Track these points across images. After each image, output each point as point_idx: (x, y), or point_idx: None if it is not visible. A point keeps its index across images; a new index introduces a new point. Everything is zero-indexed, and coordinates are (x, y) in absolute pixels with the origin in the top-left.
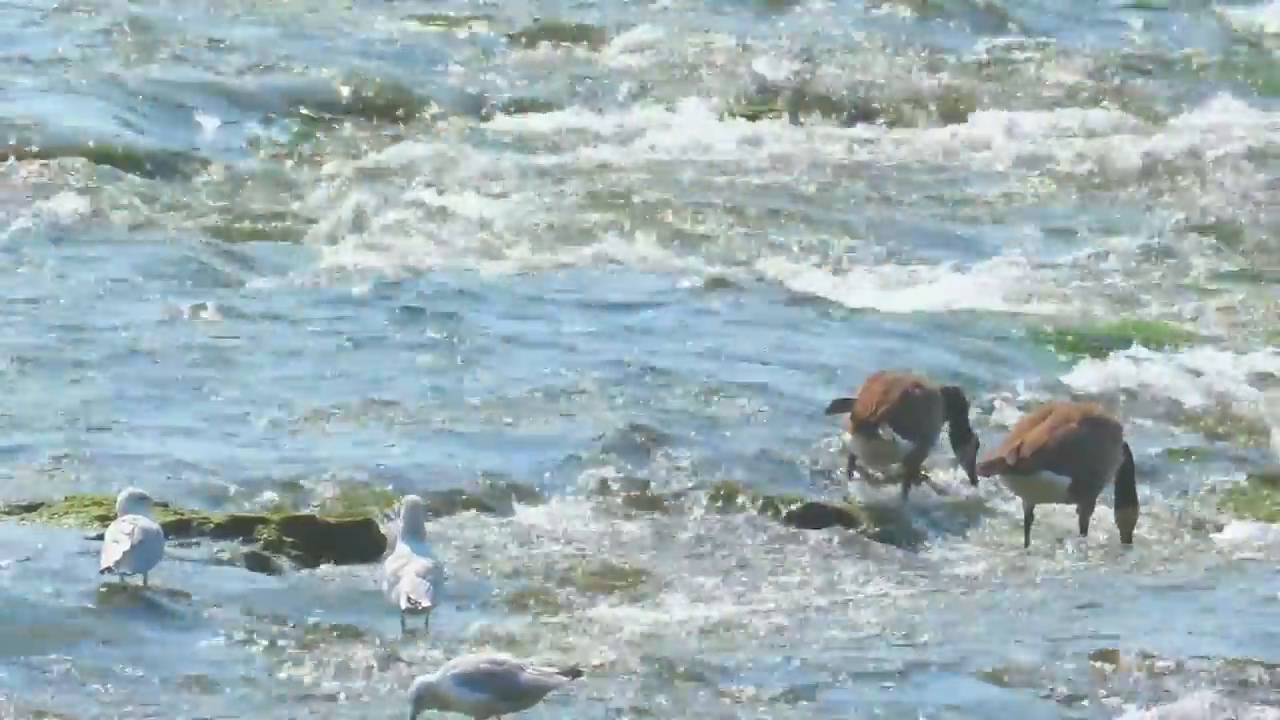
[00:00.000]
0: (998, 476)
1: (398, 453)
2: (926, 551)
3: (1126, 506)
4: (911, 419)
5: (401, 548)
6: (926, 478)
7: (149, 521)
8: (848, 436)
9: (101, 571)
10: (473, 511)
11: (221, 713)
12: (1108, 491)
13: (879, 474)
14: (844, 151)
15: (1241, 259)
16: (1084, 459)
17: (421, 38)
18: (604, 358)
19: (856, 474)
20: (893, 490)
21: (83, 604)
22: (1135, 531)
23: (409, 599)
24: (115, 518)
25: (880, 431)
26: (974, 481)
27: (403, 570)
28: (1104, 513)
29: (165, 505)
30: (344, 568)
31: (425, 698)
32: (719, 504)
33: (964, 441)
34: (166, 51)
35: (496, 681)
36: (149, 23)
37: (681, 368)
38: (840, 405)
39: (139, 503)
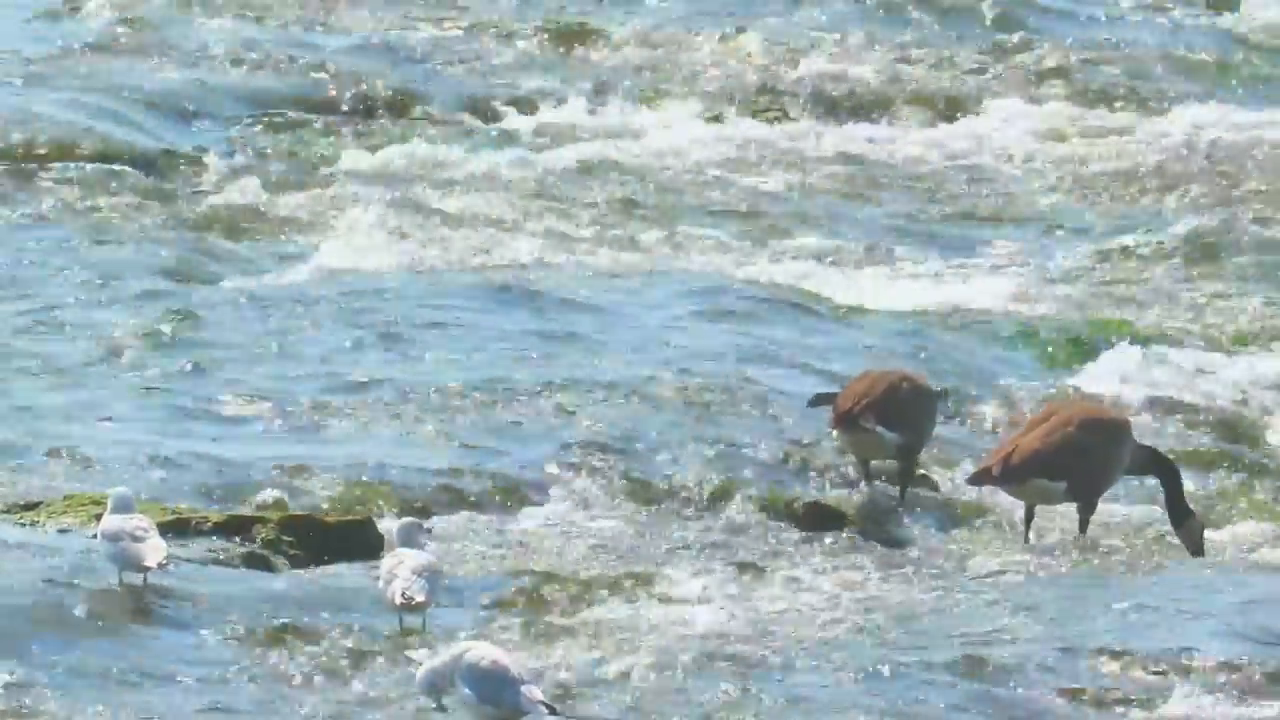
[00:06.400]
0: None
1: (398, 452)
2: (926, 551)
3: (1183, 522)
4: (897, 412)
5: (399, 550)
6: (925, 476)
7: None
8: (833, 434)
9: (158, 568)
10: (473, 511)
11: (220, 712)
12: (1113, 491)
13: (879, 473)
14: (843, 151)
15: (1242, 259)
16: (1080, 464)
17: (420, 38)
18: (603, 357)
19: (861, 474)
20: (893, 490)
21: (82, 604)
22: (1135, 531)
23: (404, 594)
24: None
25: (863, 423)
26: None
27: (398, 568)
28: (1105, 512)
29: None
30: (343, 567)
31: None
32: (719, 504)
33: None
34: (165, 51)
35: (490, 684)
36: (148, 22)
37: (681, 367)
38: (823, 399)
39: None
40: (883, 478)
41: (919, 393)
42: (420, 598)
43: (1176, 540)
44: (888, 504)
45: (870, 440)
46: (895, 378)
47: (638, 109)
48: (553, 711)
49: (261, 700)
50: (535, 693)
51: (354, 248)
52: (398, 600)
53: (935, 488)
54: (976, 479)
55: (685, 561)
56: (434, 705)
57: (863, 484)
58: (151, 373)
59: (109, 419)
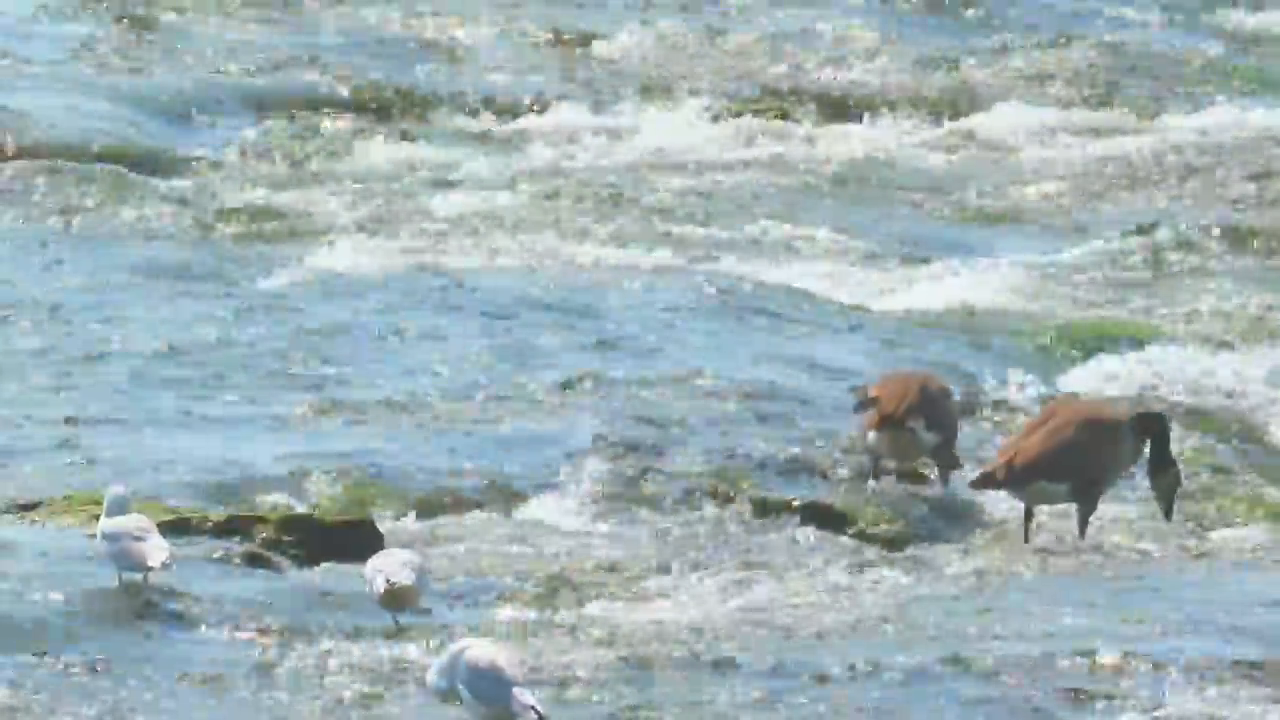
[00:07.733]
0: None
1: (398, 452)
2: (926, 551)
3: (1160, 472)
4: (936, 412)
5: (385, 549)
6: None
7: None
8: (871, 435)
9: (161, 568)
10: (473, 511)
11: (221, 712)
12: (1113, 490)
13: (895, 473)
14: (843, 151)
15: (1242, 259)
16: (1081, 466)
17: (421, 38)
18: (603, 357)
19: (875, 473)
20: (893, 491)
21: (82, 604)
22: (1135, 531)
23: (388, 580)
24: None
25: (910, 426)
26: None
27: (382, 564)
28: (1104, 512)
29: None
30: (343, 567)
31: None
32: (719, 504)
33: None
34: (165, 51)
35: (485, 682)
36: (148, 22)
37: (681, 367)
38: (866, 404)
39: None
40: (884, 478)
41: (945, 392)
42: (404, 581)
43: (1175, 540)
44: (887, 504)
45: (910, 441)
46: (921, 379)
47: (639, 110)
48: (541, 718)
49: (261, 700)
50: (527, 696)
51: (352, 248)
52: (382, 589)
53: (929, 485)
54: (980, 484)
55: (684, 561)
56: (443, 701)
57: (871, 482)
58: (151, 372)
59: (109, 418)
